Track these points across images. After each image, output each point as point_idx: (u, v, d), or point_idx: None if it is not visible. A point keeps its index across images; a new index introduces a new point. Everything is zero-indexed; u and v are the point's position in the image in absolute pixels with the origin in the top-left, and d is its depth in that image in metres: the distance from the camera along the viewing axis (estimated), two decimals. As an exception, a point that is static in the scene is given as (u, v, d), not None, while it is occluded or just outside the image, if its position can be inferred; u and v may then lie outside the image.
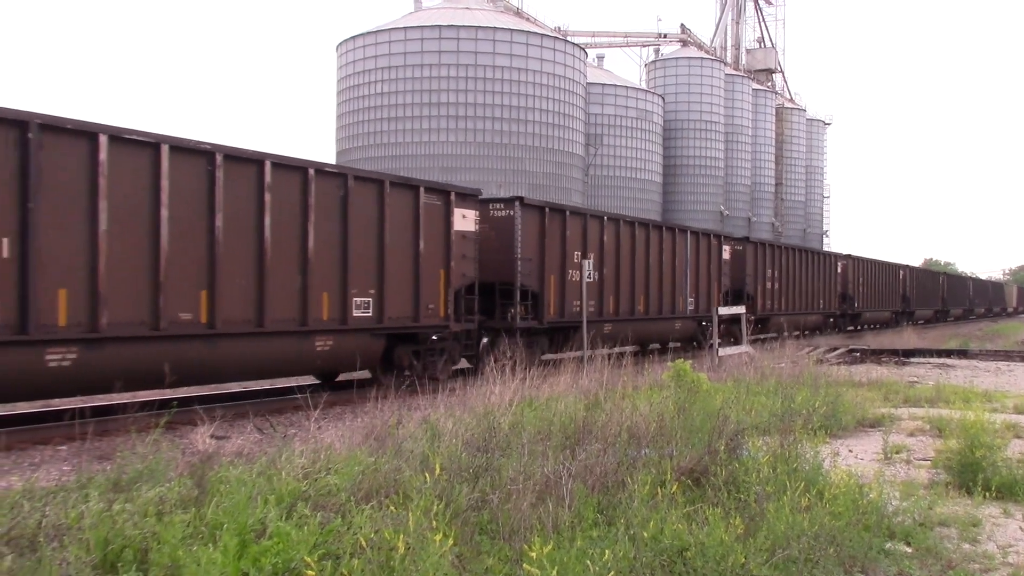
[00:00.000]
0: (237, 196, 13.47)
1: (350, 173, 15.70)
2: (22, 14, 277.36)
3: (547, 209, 21.22)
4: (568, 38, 61.91)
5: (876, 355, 28.27)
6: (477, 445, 8.07)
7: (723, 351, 23.28)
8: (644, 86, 75.78)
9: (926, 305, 64.57)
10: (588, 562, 5.39)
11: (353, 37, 57.22)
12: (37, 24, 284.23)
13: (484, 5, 60.02)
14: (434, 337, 17.73)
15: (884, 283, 52.95)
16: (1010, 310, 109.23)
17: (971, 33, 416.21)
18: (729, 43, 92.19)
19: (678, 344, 29.07)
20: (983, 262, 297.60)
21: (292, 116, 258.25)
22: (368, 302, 15.76)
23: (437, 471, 6.72)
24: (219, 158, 13.12)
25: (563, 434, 8.70)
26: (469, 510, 6.41)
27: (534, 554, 5.32)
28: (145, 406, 12.39)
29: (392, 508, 6.11)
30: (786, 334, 32.24)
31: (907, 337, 38.42)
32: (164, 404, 12.62)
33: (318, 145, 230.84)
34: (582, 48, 62.15)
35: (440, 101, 53.87)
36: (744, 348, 24.80)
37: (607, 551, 5.58)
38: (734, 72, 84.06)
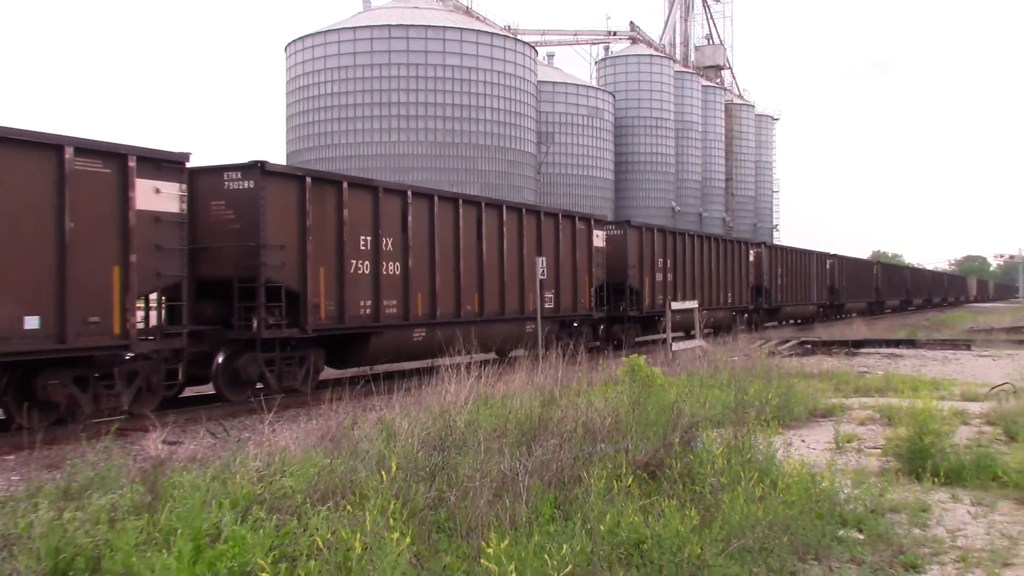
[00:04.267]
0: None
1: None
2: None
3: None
4: (518, 37, 62.07)
5: (827, 346, 28.72)
6: (433, 444, 8.06)
7: (677, 346, 23.46)
8: (595, 84, 76.20)
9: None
10: (546, 556, 5.41)
11: (302, 37, 56.80)
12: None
13: (433, 4, 59.88)
14: None
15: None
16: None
17: (915, 27, 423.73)
18: (678, 40, 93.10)
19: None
20: (929, 253, 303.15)
21: (241, 117, 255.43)
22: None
23: (393, 470, 6.70)
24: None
25: (519, 431, 8.71)
26: (426, 509, 6.40)
27: (492, 550, 5.32)
28: (96, 414, 12.20)
29: (349, 509, 6.08)
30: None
31: (857, 328, 39.06)
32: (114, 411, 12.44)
33: (269, 146, 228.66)
34: (532, 47, 62.30)
35: (391, 101, 53.69)
36: (698, 342, 25.04)
37: (564, 545, 5.60)
38: (683, 69, 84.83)
